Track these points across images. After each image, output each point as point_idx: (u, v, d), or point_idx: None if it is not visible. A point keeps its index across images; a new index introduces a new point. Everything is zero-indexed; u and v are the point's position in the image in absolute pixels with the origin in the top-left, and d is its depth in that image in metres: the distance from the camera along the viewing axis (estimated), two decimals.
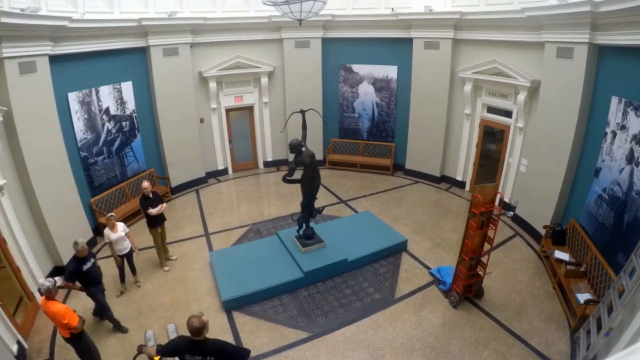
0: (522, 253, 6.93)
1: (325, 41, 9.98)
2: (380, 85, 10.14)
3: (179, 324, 5.33)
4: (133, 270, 6.15)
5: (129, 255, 5.95)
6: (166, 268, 6.59)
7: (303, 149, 6.00)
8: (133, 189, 8.48)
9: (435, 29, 8.60)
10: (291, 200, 8.92)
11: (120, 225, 5.75)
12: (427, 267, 6.54)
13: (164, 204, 6.39)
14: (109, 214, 5.66)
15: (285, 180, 6.10)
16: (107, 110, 7.74)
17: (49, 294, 4.06)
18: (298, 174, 6.12)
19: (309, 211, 6.47)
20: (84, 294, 5.92)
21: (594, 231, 5.84)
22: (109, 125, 7.82)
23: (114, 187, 8.03)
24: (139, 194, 6.66)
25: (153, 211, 6.12)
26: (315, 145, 10.79)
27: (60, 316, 4.03)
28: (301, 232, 6.70)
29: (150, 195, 6.22)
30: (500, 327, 5.23)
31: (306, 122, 6.31)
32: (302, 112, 6.24)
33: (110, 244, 5.67)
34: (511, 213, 8.08)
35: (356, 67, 10.20)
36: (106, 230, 5.65)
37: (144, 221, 8.04)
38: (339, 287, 6.10)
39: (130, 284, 6.17)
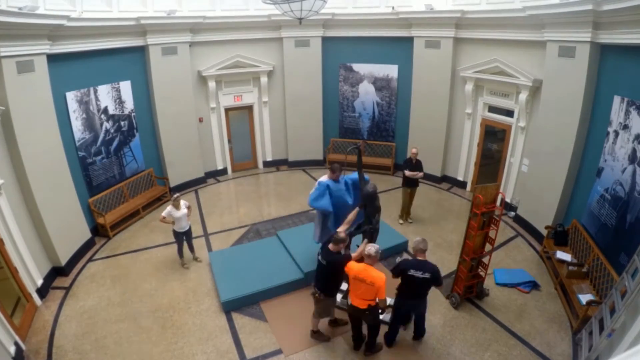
0: (523, 254, 6.89)
1: (325, 40, 9.93)
2: (380, 84, 10.09)
3: (177, 324, 5.31)
4: (191, 248, 6.65)
5: (188, 233, 6.43)
6: (410, 220, 7.90)
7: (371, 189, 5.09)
8: (131, 189, 8.44)
9: (436, 28, 8.55)
10: (291, 200, 8.89)
11: (183, 203, 6.23)
12: None
13: (421, 173, 7.51)
14: (175, 194, 6.17)
15: (351, 234, 5.20)
16: (105, 110, 7.69)
17: (374, 258, 4.19)
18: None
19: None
20: (81, 294, 5.97)
21: (596, 232, 5.80)
22: (107, 125, 7.78)
23: (112, 187, 7.97)
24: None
25: (408, 173, 7.36)
26: (315, 144, 10.83)
27: (380, 281, 4.08)
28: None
29: (414, 161, 7.45)
30: (501, 328, 5.19)
31: (362, 158, 5.43)
32: (357, 147, 5.37)
33: (173, 222, 6.16)
34: (512, 213, 8.04)
35: (356, 66, 10.15)
36: (169, 208, 6.07)
37: (143, 221, 8.16)
38: None
39: (189, 260, 6.68)
